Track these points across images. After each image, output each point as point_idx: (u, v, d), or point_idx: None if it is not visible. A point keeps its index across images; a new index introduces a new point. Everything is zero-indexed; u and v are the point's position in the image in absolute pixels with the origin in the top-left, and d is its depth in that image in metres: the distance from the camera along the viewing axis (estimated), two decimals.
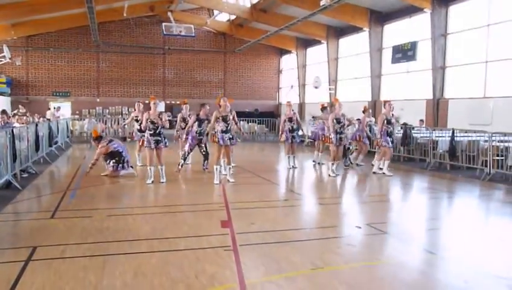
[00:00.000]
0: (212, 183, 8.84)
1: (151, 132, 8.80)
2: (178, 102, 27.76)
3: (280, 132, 11.76)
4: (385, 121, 10.21)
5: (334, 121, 9.89)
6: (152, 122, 8.79)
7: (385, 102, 10.65)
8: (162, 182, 8.82)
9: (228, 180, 9.02)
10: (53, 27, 24.41)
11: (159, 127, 8.85)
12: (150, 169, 8.81)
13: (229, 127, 8.85)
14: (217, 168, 8.90)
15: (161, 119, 8.86)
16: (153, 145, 8.78)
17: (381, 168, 10.46)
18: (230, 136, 8.96)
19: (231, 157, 9.37)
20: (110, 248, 4.79)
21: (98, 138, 9.87)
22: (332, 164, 10.10)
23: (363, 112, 11.79)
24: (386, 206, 7.72)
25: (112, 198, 7.54)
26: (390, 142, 10.26)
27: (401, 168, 11.62)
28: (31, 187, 8.40)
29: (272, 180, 9.66)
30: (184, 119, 10.98)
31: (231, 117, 9.12)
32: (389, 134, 10.26)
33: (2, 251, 4.66)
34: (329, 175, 10.09)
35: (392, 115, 10.51)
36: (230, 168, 9.31)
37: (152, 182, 8.71)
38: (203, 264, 4.28)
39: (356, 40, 22.22)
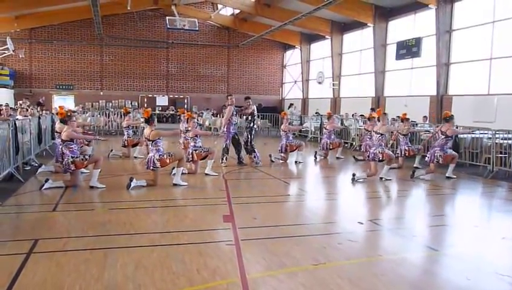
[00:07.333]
0: (215, 178, 8.86)
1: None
2: (181, 96, 27.85)
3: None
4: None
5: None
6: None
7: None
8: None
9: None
10: (56, 19, 24.41)
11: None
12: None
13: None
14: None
15: None
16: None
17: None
18: None
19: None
20: (112, 241, 4.80)
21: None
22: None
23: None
24: (388, 202, 7.71)
25: (113, 191, 7.53)
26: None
27: (404, 165, 11.56)
28: (33, 180, 8.41)
29: (275, 175, 9.64)
30: None
31: None
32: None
33: (3, 243, 4.67)
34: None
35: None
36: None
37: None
38: (204, 259, 4.28)
39: (360, 35, 22.14)
